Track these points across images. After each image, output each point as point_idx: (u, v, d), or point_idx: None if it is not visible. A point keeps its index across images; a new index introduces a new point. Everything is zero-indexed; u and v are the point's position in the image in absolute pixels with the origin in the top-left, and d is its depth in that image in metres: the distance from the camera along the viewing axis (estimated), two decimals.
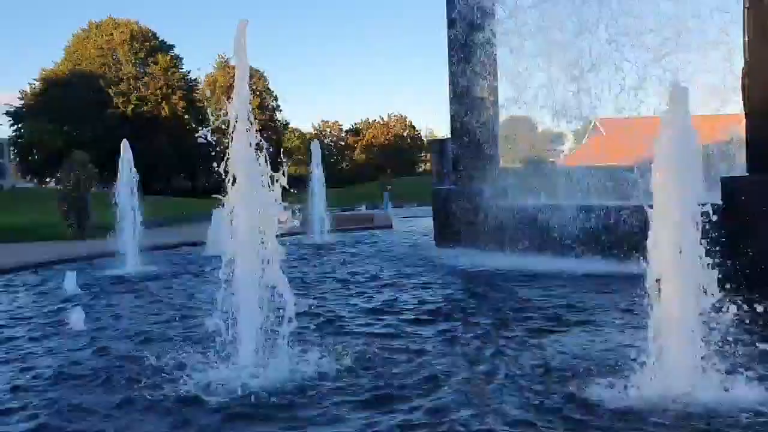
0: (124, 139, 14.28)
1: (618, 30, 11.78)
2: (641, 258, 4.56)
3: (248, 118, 5.63)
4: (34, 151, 75.29)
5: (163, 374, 5.57)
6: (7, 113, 77.67)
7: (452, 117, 14.99)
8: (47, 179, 79.75)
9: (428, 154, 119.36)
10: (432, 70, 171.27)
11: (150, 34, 70.78)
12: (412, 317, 7.67)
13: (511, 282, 10.01)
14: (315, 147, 19.57)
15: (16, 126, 77.56)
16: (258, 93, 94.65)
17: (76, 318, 7.90)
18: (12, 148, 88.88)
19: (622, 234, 10.32)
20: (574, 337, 6.44)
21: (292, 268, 12.70)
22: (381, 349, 6.17)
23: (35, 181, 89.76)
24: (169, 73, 69.25)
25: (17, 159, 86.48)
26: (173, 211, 45.51)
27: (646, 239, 4.57)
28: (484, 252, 12.70)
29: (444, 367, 5.53)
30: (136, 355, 6.27)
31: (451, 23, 14.70)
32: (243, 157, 5.61)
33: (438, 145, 39.73)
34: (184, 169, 75.95)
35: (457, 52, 14.67)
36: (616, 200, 11.49)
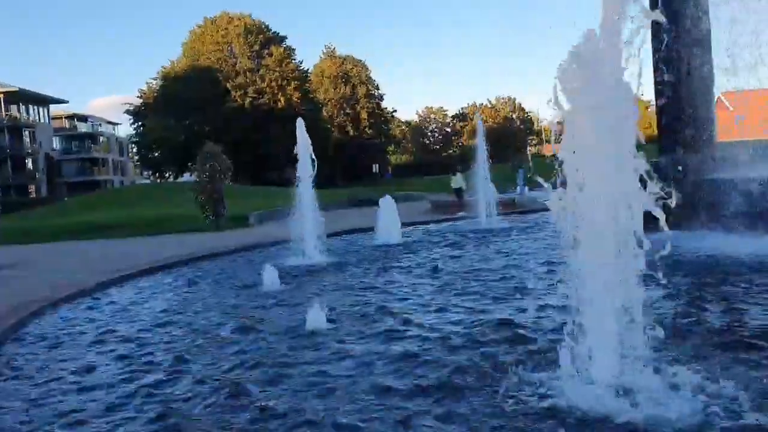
0: (299, 120, 13.40)
1: None
2: None
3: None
4: (154, 147, 77.91)
5: (497, 385, 4.42)
6: (128, 112, 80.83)
7: (659, 86, 13.25)
8: (167, 174, 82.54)
9: (537, 137, 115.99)
10: (542, 51, 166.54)
11: (263, 27, 71.60)
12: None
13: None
14: (479, 126, 18.12)
15: (136, 124, 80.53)
16: (362, 82, 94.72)
17: (316, 318, 6.89)
18: (133, 146, 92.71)
19: None
20: None
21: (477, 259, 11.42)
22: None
23: (153, 177, 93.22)
24: (284, 65, 69.75)
25: (138, 156, 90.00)
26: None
27: None
28: (708, 236, 10.84)
29: None
30: (437, 360, 5.12)
31: None
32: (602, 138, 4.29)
33: None
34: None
35: (663, 13, 12.96)
36: None
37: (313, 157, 12.98)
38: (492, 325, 6.24)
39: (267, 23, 72.46)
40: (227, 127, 61.72)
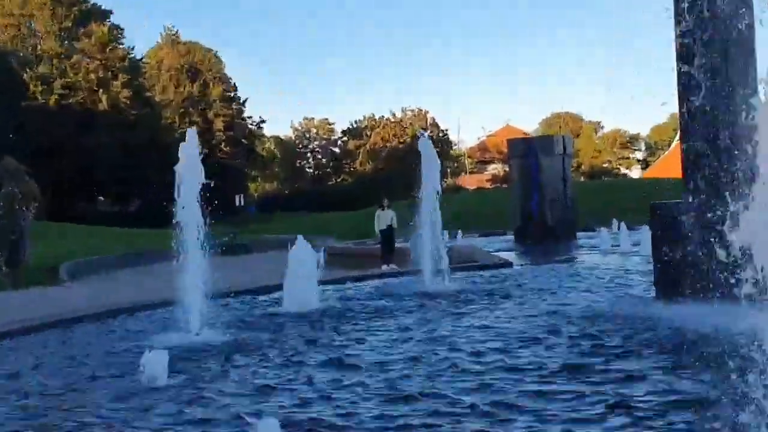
0: (190, 131, 12.53)
1: None
2: None
3: None
4: None
5: None
6: None
7: (686, 109, 13.39)
8: None
9: (456, 163, 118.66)
10: (454, 55, 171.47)
11: None
12: None
13: None
14: (424, 146, 17.51)
15: None
16: (216, 79, 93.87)
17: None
18: None
19: None
20: None
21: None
22: None
23: None
24: (108, 50, 68.03)
25: None
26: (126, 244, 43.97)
27: None
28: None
29: None
30: None
31: None
32: None
33: (523, 146, 38.59)
34: (124, 184, 73.43)
35: (690, 25, 13.27)
36: None
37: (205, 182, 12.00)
38: None
39: None
40: (24, 135, 59.16)
